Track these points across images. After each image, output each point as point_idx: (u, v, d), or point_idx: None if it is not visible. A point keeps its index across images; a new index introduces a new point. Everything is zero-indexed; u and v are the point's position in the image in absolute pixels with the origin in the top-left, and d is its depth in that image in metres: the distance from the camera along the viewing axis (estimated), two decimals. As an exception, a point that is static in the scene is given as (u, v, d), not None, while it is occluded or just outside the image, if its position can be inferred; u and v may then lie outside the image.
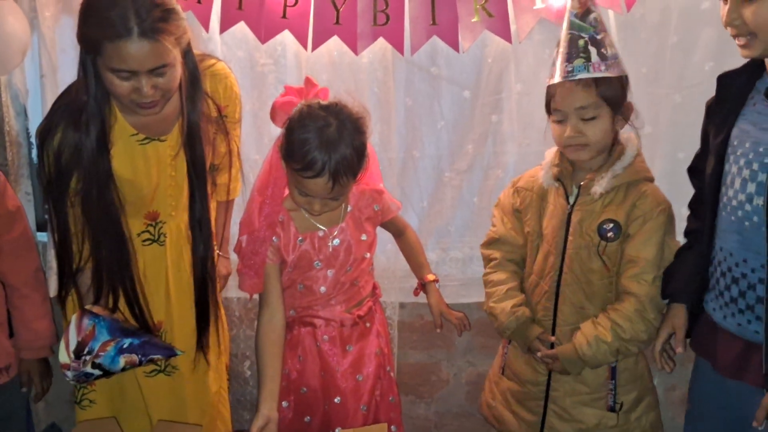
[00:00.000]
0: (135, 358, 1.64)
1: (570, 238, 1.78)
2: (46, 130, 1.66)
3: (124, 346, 1.63)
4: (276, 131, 2.36)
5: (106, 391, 1.86)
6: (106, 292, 1.74)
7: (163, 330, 1.84)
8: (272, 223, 1.80)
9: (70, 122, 1.63)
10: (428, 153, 2.37)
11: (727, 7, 1.45)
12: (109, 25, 1.46)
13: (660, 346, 1.66)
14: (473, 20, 2.14)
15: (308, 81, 1.75)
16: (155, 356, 1.67)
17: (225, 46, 2.30)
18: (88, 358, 1.60)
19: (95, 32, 1.49)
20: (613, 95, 1.71)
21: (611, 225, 1.73)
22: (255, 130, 2.39)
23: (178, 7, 1.58)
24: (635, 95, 2.20)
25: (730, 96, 1.57)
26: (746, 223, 1.49)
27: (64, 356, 1.61)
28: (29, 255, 1.96)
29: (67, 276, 1.75)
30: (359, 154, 1.68)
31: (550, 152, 1.88)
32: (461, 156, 2.35)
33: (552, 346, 1.82)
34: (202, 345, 1.86)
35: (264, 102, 2.36)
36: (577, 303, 1.79)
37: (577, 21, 1.71)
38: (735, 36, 1.48)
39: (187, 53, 1.64)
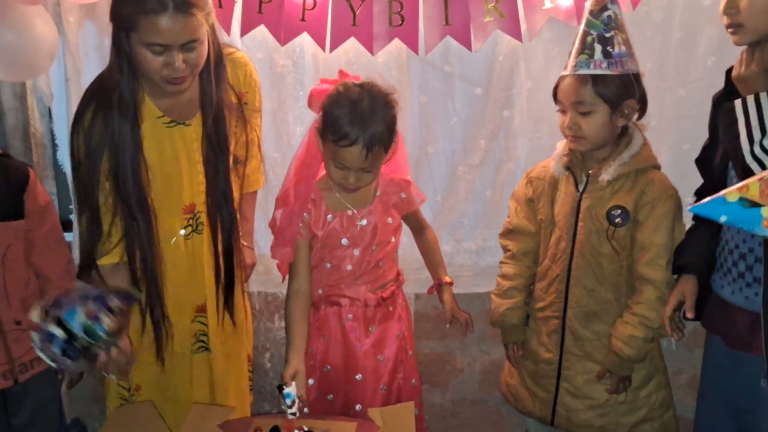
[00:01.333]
0: (92, 307, 1.55)
1: (580, 224, 1.86)
2: (78, 112, 1.74)
3: (85, 295, 1.57)
4: (294, 130, 2.51)
5: (152, 394, 1.92)
6: (135, 273, 1.79)
7: (205, 314, 1.91)
8: (305, 199, 1.92)
9: (102, 102, 1.71)
10: (442, 148, 2.46)
11: None
12: (144, 1, 1.55)
13: (670, 312, 1.73)
14: (485, 20, 2.23)
15: (342, 72, 1.88)
16: (113, 303, 1.58)
17: (245, 48, 2.37)
18: (55, 314, 1.53)
19: (131, 8, 1.57)
20: (611, 93, 1.77)
21: (619, 211, 1.81)
22: (274, 128, 2.48)
23: None
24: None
25: (736, 89, 1.65)
26: None
27: (35, 315, 1.55)
28: (61, 248, 2.04)
29: (91, 260, 1.78)
30: (390, 127, 1.81)
31: (561, 143, 1.97)
32: (474, 151, 2.44)
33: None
34: (233, 323, 1.95)
35: (283, 102, 2.46)
36: (588, 286, 1.87)
37: (591, 18, 1.79)
38: (728, 25, 1.56)
39: (212, 32, 1.72)
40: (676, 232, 1.83)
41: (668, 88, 2.25)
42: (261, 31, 2.34)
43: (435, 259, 2.17)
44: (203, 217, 1.86)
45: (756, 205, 1.30)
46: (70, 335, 1.53)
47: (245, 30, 2.33)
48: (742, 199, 1.31)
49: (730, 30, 1.57)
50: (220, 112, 1.79)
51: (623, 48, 1.79)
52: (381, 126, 1.77)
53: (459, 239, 2.55)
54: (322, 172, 1.96)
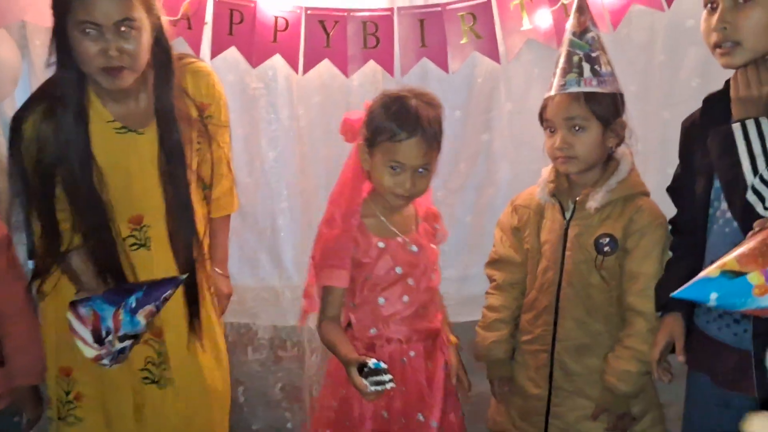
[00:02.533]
0: (151, 308, 1.60)
1: (568, 253, 1.79)
2: (19, 115, 1.67)
3: (133, 305, 1.58)
4: (267, 154, 2.42)
5: (93, 408, 1.81)
6: (97, 273, 1.70)
7: (162, 339, 1.80)
8: (351, 222, 1.78)
9: (46, 103, 1.65)
10: (421, 173, 2.38)
11: (717, 13, 1.44)
12: None
13: (657, 354, 1.66)
14: (462, 42, 2.17)
15: (368, 104, 1.80)
16: (167, 294, 1.62)
17: (216, 70, 2.27)
18: (111, 338, 1.57)
19: None
20: (603, 110, 1.73)
21: (607, 239, 1.75)
22: (246, 153, 2.40)
23: None
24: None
25: (715, 116, 1.58)
26: (742, 236, 1.50)
27: (90, 351, 1.57)
28: (19, 282, 1.94)
29: (50, 262, 1.71)
30: (440, 125, 1.74)
31: (546, 169, 1.90)
32: (454, 175, 2.36)
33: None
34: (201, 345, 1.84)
35: (255, 125, 2.38)
36: (577, 317, 1.80)
37: (575, 39, 1.76)
38: (718, 43, 1.46)
39: (159, 33, 1.66)
40: (665, 261, 1.76)
41: (653, 111, 2.19)
42: (232, 53, 2.28)
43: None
44: (152, 232, 1.76)
45: (740, 273, 1.21)
46: (136, 336, 1.62)
47: (216, 52, 2.26)
48: (724, 272, 1.22)
49: (721, 50, 1.46)
50: (173, 119, 1.71)
51: (609, 68, 1.76)
52: (434, 120, 1.71)
53: (441, 267, 2.45)
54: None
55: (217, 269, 1.96)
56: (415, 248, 1.81)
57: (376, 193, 1.80)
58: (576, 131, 1.74)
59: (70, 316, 1.59)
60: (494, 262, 2.00)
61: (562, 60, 1.76)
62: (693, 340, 1.65)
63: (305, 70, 2.25)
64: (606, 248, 1.75)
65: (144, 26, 1.60)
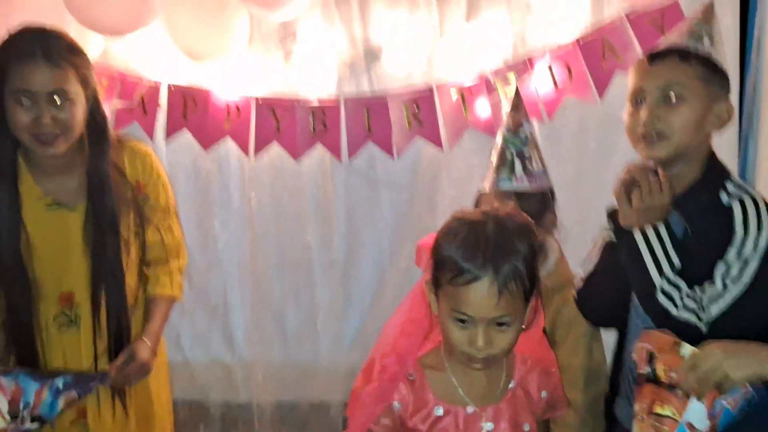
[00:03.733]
0: (74, 395, 1.58)
1: None
2: None
3: (60, 386, 1.57)
4: (220, 235, 2.49)
5: None
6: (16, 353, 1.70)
7: (86, 421, 1.77)
8: (397, 378, 1.37)
9: None
10: (369, 254, 2.45)
11: (645, 107, 1.52)
12: (17, 48, 1.58)
13: None
14: (406, 128, 2.27)
15: None
16: (92, 386, 1.62)
17: (171, 152, 2.39)
18: (26, 413, 1.54)
19: (3, 59, 1.59)
20: (533, 208, 1.75)
21: None
22: (200, 235, 2.47)
23: (86, 54, 1.67)
24: (564, 196, 2.33)
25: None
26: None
27: (1, 421, 1.54)
28: None
29: None
30: (527, 260, 1.27)
31: None
32: (401, 256, 2.42)
33: None
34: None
35: (208, 207, 2.46)
36: None
37: (509, 136, 1.82)
38: (646, 135, 1.48)
39: (94, 105, 1.69)
40: (595, 353, 1.80)
41: (588, 196, 2.27)
42: (186, 137, 2.36)
43: None
44: (82, 310, 1.74)
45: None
46: (45, 422, 1.58)
47: (170, 135, 2.35)
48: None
49: (647, 140, 1.48)
50: (106, 189, 1.71)
51: (540, 165, 1.81)
52: (516, 256, 1.25)
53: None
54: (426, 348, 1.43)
55: (143, 336, 1.81)
56: (490, 426, 1.34)
57: None
58: None
59: None
60: None
61: (495, 156, 1.82)
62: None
63: (256, 154, 2.33)
64: None
65: (78, 98, 1.64)
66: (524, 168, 1.79)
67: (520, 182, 1.78)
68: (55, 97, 1.60)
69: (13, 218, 1.67)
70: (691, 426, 1.23)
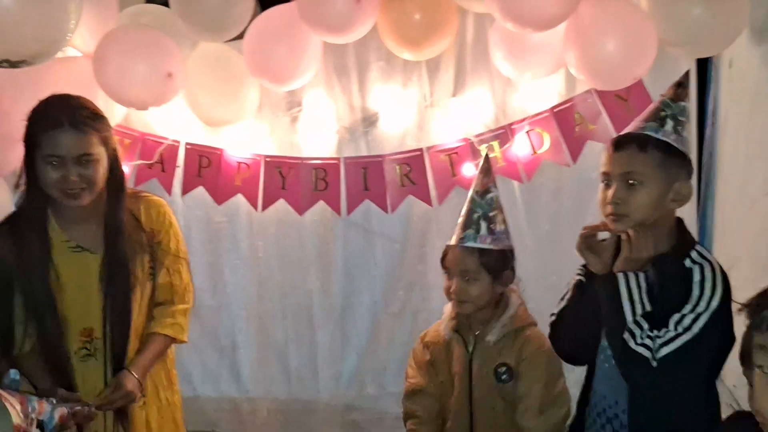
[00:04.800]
0: (64, 410, 1.69)
1: (474, 382, 2.01)
2: None
3: (54, 401, 1.70)
4: (229, 279, 2.71)
5: None
6: (50, 380, 1.85)
7: None
8: None
9: (10, 224, 1.88)
10: (365, 299, 2.67)
11: (611, 189, 1.69)
12: (46, 119, 1.79)
13: None
14: (399, 186, 2.51)
15: None
16: (77, 408, 1.73)
17: (185, 206, 2.63)
18: (33, 416, 1.64)
19: (35, 127, 1.80)
20: (494, 265, 1.95)
21: (504, 368, 1.96)
22: (211, 278, 2.69)
23: (106, 119, 1.87)
24: (541, 248, 2.56)
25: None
26: (616, 370, 1.75)
27: (17, 418, 1.59)
28: None
29: (6, 362, 1.85)
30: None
31: (448, 307, 2.10)
32: (394, 301, 2.64)
33: None
34: None
35: (219, 255, 2.69)
36: None
37: (477, 198, 2.00)
38: (610, 214, 1.70)
39: (114, 162, 1.89)
40: (558, 386, 1.96)
41: (563, 249, 2.47)
42: (200, 192, 2.60)
43: None
44: (100, 344, 1.91)
45: None
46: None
47: (186, 190, 2.59)
48: None
49: (612, 217, 1.69)
50: (120, 234, 1.90)
51: (503, 226, 2.00)
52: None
53: (383, 384, 2.70)
54: None
55: (129, 368, 1.91)
56: None
57: None
58: (467, 282, 1.95)
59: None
60: (412, 394, 2.11)
61: (463, 214, 1.99)
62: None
63: (263, 208, 2.57)
64: (504, 376, 1.95)
65: (101, 157, 1.84)
66: (489, 229, 1.95)
67: (484, 241, 1.94)
68: (82, 159, 1.80)
69: (45, 259, 1.86)
70: None
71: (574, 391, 1.92)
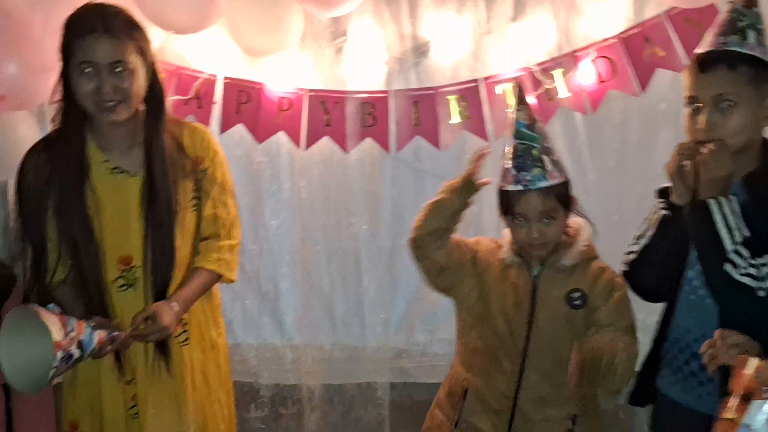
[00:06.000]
0: (103, 334, 1.65)
1: (538, 307, 1.87)
2: (27, 153, 1.80)
3: (92, 324, 1.65)
4: (270, 223, 2.59)
5: None
6: (84, 309, 1.75)
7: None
8: None
9: (48, 142, 1.79)
10: (414, 241, 2.53)
11: (702, 115, 1.56)
12: (79, 24, 1.70)
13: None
14: (452, 121, 2.35)
15: None
16: (114, 334, 1.68)
17: (224, 146, 2.43)
18: (73, 335, 1.59)
19: (69, 35, 1.71)
20: (566, 197, 1.83)
21: (578, 293, 1.85)
22: (252, 221, 2.57)
23: (144, 28, 1.78)
24: (604, 186, 2.43)
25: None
26: (707, 301, 1.63)
27: (58, 334, 1.56)
28: None
29: (39, 291, 1.77)
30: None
31: (507, 231, 1.93)
32: (447, 244, 2.51)
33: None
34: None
35: (260, 196, 2.56)
36: (545, 370, 1.83)
37: (527, 131, 1.82)
38: (704, 141, 1.56)
39: (153, 77, 1.79)
40: (633, 318, 1.83)
41: (628, 185, 2.36)
42: (239, 130, 2.45)
43: None
44: (139, 273, 1.81)
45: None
46: (83, 354, 1.63)
47: (224, 128, 2.43)
48: None
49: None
50: (161, 159, 1.80)
51: (558, 155, 1.85)
52: None
53: (433, 330, 2.60)
54: None
55: (173, 302, 1.81)
56: None
57: None
58: (546, 224, 1.82)
59: (38, 307, 1.60)
60: None
61: (520, 152, 1.81)
62: (657, 405, 1.76)
63: (307, 146, 2.42)
64: (577, 301, 1.83)
65: (137, 69, 1.73)
66: (552, 162, 1.80)
67: (553, 177, 1.79)
68: (116, 67, 1.70)
69: (82, 179, 1.77)
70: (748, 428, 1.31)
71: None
